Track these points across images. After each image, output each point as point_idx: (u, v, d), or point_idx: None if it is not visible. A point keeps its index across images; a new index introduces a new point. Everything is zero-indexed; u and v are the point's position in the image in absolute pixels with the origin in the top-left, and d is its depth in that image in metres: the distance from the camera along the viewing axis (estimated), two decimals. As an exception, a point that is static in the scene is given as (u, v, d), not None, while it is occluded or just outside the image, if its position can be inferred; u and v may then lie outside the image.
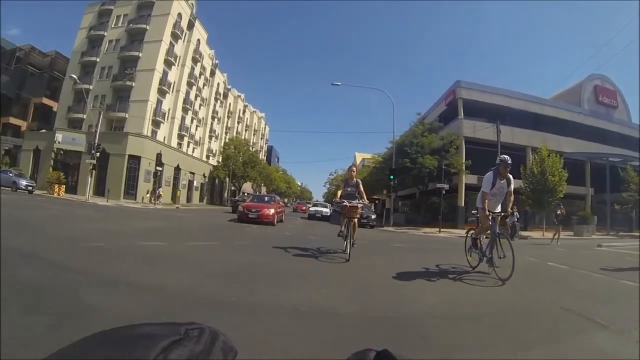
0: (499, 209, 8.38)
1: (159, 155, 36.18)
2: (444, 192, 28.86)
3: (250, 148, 69.20)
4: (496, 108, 37.36)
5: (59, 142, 41.10)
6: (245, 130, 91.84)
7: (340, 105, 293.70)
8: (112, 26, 50.17)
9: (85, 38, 50.67)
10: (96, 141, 32.70)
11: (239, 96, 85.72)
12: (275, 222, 22.37)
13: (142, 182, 39.84)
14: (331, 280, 6.86)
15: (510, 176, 8.27)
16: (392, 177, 31.83)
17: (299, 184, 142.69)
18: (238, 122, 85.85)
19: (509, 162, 8.09)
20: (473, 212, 9.92)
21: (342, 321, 4.39)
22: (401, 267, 8.71)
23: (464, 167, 32.02)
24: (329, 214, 34.01)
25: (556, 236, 21.57)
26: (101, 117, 35.18)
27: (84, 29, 51.28)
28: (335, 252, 10.13)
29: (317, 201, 55.22)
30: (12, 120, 54.59)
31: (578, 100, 44.60)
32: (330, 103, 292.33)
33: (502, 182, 8.16)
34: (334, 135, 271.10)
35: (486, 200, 8.01)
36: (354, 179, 10.75)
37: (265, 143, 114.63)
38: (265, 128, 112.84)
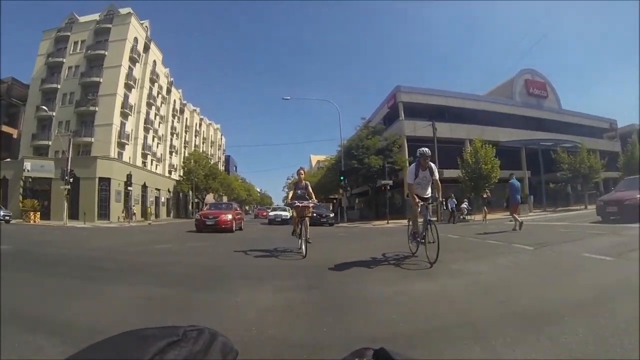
0: (428, 195, 8.99)
1: (129, 176, 38.51)
2: (389, 187, 32.38)
3: (210, 160, 71.43)
4: (435, 108, 41.44)
5: (27, 170, 41.54)
6: (203, 143, 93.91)
7: (293, 112, 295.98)
8: (71, 52, 51.37)
9: (44, 65, 51.42)
10: (68, 167, 34.31)
11: (195, 110, 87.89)
12: (234, 228, 22.06)
13: (113, 202, 41.70)
14: (291, 275, 7.28)
15: (433, 165, 8.93)
16: (342, 177, 35.55)
17: (259, 190, 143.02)
18: (195, 136, 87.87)
19: (428, 153, 8.79)
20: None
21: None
22: (346, 254, 9.69)
23: (407, 164, 35.48)
24: (288, 217, 32.72)
25: (485, 217, 25.13)
26: (69, 142, 36.52)
27: (42, 55, 52.06)
28: (292, 252, 10.59)
29: (277, 206, 55.55)
30: None
31: (510, 94, 49.35)
32: (284, 110, 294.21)
33: (424, 172, 8.79)
34: (289, 141, 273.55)
35: (412, 190, 8.72)
36: (303, 181, 11.39)
37: (223, 153, 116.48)
38: (221, 139, 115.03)
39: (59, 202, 38.07)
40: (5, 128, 55.82)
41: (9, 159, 47.99)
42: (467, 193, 33.46)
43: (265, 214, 50.65)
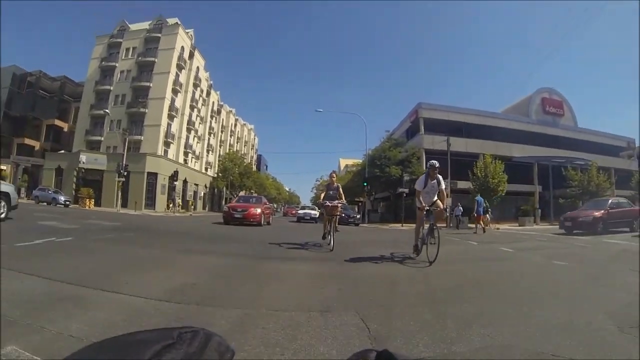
0: (435, 201, 9.45)
1: (175, 172, 43.05)
2: (405, 195, 35.95)
3: (245, 160, 75.96)
4: (453, 123, 44.68)
5: (83, 162, 46.58)
6: (237, 142, 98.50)
7: (326, 120, 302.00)
8: (123, 58, 56.71)
9: (97, 68, 56.79)
10: (124, 162, 39.02)
11: (231, 111, 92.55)
12: (262, 222, 21.80)
13: (159, 194, 46.62)
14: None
15: (440, 177, 9.48)
16: (365, 184, 39.60)
17: (287, 189, 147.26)
18: (230, 135, 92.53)
19: (437, 165, 9.43)
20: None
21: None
22: (360, 251, 11.22)
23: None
24: (317, 215, 33.96)
25: (486, 225, 28.74)
26: (125, 141, 41.41)
27: (96, 59, 57.60)
28: (321, 245, 11.51)
29: (305, 205, 57.24)
30: (27, 141, 59.21)
31: (527, 111, 52.16)
32: (317, 117, 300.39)
33: (432, 182, 9.35)
34: (319, 143, 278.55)
35: (420, 197, 9.19)
36: (335, 183, 12.12)
37: (255, 152, 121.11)
38: (254, 139, 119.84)
39: (109, 192, 43.42)
40: (57, 122, 61.33)
41: (62, 151, 53.61)
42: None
43: (294, 212, 52.23)
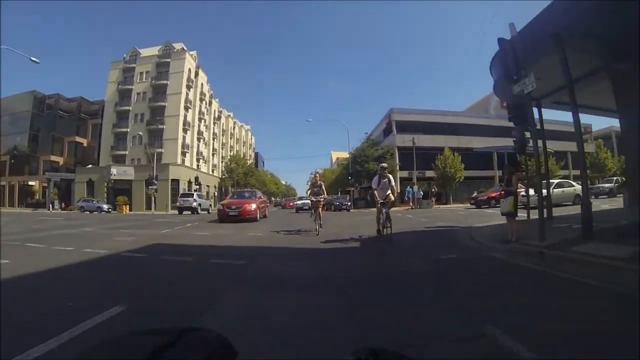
0: (388, 195, 11.70)
1: (196, 178, 51.95)
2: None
3: (247, 162, 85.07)
4: (421, 124, 53.01)
5: (114, 174, 54.71)
6: (236, 143, 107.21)
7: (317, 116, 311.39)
8: (137, 81, 65.07)
9: (115, 90, 65.04)
10: (154, 173, 47.54)
11: (229, 115, 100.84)
12: (258, 217, 21.47)
13: (181, 197, 55.10)
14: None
15: (390, 176, 11.93)
16: (350, 177, 49.26)
17: (284, 183, 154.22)
18: (230, 138, 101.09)
19: (386, 167, 12.34)
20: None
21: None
22: (340, 229, 15.31)
23: (397, 167, 48.15)
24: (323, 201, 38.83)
25: (417, 206, 37.10)
26: (153, 155, 50.08)
27: (112, 82, 65.83)
28: (311, 231, 14.50)
29: (301, 197, 61.05)
30: (52, 158, 65.72)
31: (487, 108, 60.93)
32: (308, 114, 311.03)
33: (384, 180, 11.67)
34: (313, 137, 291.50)
35: (375, 193, 11.83)
36: (318, 182, 15.14)
37: (253, 151, 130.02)
38: (251, 138, 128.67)
39: (138, 198, 52.24)
40: (78, 138, 68.76)
41: (90, 165, 61.67)
42: (437, 188, 46.67)
43: (291, 204, 55.69)
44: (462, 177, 44.79)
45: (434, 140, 51.48)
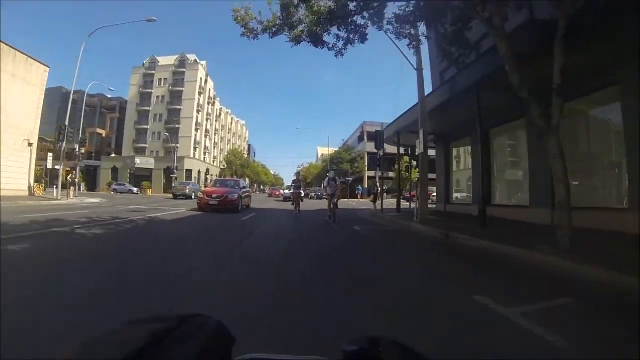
0: (334, 193, 17.31)
1: (207, 170, 65.07)
2: (350, 181, 58.78)
3: (244, 155, 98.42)
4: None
5: (137, 163, 67.37)
6: (233, 137, 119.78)
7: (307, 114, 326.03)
8: (157, 86, 77.88)
9: (137, 93, 77.69)
10: (175, 164, 59.77)
11: (227, 112, 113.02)
12: (240, 208, 20.59)
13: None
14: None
15: (338, 179, 17.67)
16: (327, 174, 62.20)
17: (273, 173, 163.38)
18: (228, 132, 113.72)
19: (332, 175, 17.88)
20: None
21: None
22: (311, 208, 27.61)
23: (366, 169, 61.52)
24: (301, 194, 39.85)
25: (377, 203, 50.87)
26: (175, 150, 62.70)
27: (134, 85, 78.39)
28: (292, 212, 19.84)
29: (289, 186, 63.62)
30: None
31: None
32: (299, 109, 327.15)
33: (333, 182, 17.28)
34: (301, 133, 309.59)
35: (326, 190, 17.83)
36: (299, 179, 23.26)
37: (246, 143, 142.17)
38: (246, 132, 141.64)
39: (157, 183, 64.93)
40: (98, 130, 79.43)
41: (113, 155, 73.96)
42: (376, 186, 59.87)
43: (277, 193, 58.70)
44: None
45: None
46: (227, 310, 3.92)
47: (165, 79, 78.41)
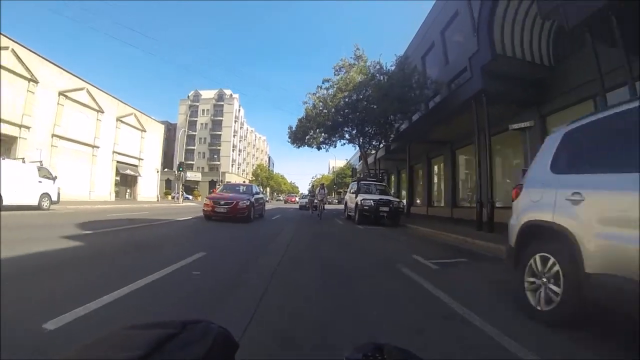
0: (322, 198, 24.12)
1: (244, 182, 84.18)
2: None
3: (268, 168, 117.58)
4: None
5: (188, 177, 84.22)
6: (256, 151, 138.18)
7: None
8: (200, 115, 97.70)
9: (185, 120, 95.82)
10: (220, 178, 79.42)
11: (252, 130, 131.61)
12: (252, 216, 17.51)
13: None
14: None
15: (325, 189, 25.88)
16: (335, 186, 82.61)
17: (290, 182, 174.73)
18: (253, 147, 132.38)
19: (324, 185, 26.57)
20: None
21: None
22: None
23: None
24: (315, 202, 35.50)
25: None
26: (218, 168, 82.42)
27: (182, 114, 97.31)
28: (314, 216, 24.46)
29: (303, 194, 62.82)
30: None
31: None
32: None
33: (322, 190, 24.42)
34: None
35: (316, 196, 25.47)
36: (324, 187, 25.07)
37: (267, 156, 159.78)
38: (267, 146, 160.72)
39: (203, 192, 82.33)
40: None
41: (166, 169, 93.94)
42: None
43: (293, 200, 65.48)
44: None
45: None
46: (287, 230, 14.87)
47: (207, 109, 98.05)
